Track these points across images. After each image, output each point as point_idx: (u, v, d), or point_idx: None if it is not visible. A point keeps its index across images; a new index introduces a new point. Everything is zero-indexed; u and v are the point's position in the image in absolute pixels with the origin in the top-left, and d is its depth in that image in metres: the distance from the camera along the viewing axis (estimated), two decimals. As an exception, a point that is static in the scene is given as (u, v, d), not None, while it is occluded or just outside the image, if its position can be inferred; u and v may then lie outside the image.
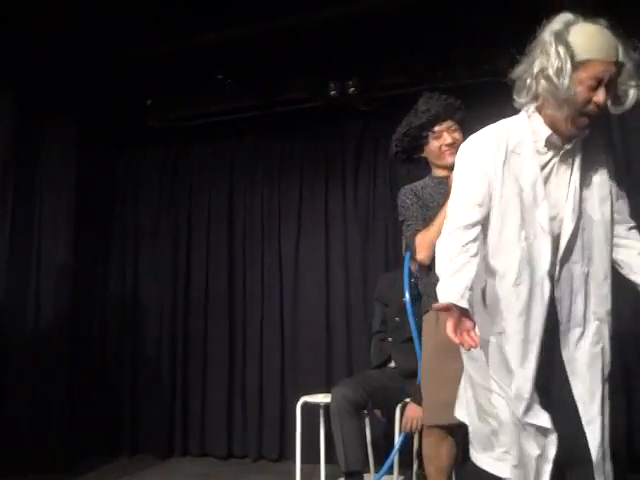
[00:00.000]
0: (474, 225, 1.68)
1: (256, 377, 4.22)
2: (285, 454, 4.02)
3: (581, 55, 1.56)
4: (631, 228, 1.81)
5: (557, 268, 1.70)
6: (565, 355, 1.67)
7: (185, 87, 4.22)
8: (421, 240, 2.34)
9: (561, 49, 1.57)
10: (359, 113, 4.10)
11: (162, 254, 4.54)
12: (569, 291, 1.70)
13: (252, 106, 4.19)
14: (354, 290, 4.10)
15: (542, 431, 1.61)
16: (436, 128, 2.41)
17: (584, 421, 1.62)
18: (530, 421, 1.62)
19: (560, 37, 1.58)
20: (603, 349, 1.69)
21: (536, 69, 1.62)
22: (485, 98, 3.00)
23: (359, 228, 4.17)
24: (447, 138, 2.39)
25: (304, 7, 3.40)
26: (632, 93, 1.61)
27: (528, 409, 1.62)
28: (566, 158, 1.73)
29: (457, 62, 3.52)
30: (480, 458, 1.75)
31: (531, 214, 1.70)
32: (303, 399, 3.23)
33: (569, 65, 1.56)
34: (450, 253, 1.65)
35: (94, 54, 3.77)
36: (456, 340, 1.54)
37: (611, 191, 1.76)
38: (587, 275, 1.71)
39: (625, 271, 1.78)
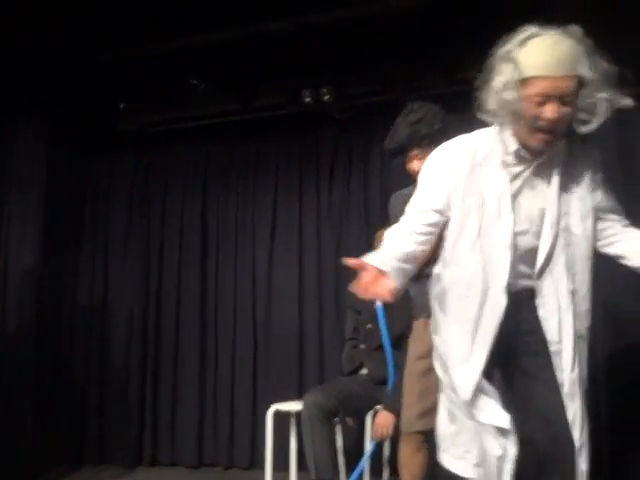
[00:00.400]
0: (428, 225, 1.73)
1: (227, 384, 4.18)
2: (256, 462, 3.97)
3: (526, 72, 1.56)
4: (625, 225, 1.81)
5: (538, 284, 1.70)
6: (560, 376, 1.66)
7: (159, 91, 4.20)
8: None
9: (507, 67, 1.58)
10: (333, 120, 4.11)
11: (133, 259, 4.47)
12: (556, 308, 1.69)
13: (226, 111, 4.18)
14: (327, 297, 4.09)
15: (501, 431, 1.63)
16: (407, 153, 2.39)
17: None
18: (486, 421, 1.64)
19: (508, 55, 1.59)
20: (582, 369, 1.69)
21: (489, 86, 1.63)
22: (459, 107, 3.03)
23: (333, 235, 4.17)
24: (415, 166, 2.34)
25: (279, 13, 3.42)
26: (600, 105, 1.58)
27: (475, 409, 1.65)
28: (541, 171, 1.71)
29: (432, 71, 3.56)
30: (443, 457, 1.76)
31: (492, 227, 1.69)
32: (274, 407, 3.21)
33: (514, 82, 1.57)
34: (394, 234, 1.74)
35: (66, 55, 3.73)
36: (360, 292, 1.58)
37: (595, 205, 1.74)
38: (573, 292, 1.69)
39: (632, 262, 1.76)
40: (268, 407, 3.23)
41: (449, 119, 2.35)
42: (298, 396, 3.37)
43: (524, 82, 1.56)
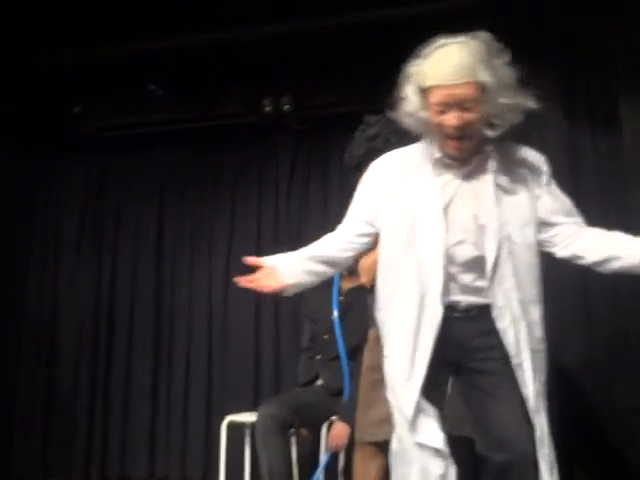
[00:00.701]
0: (356, 235, 1.82)
1: (181, 395, 4.11)
2: (209, 474, 3.91)
3: (426, 82, 1.62)
4: (578, 223, 1.77)
5: (491, 295, 1.69)
6: (525, 391, 1.65)
7: (116, 95, 4.13)
8: (363, 264, 2.38)
9: (413, 79, 1.66)
10: (293, 131, 4.13)
11: (85, 271, 4.36)
12: (511, 320, 1.67)
13: (185, 118, 4.14)
14: (284, 307, 4.08)
15: (441, 452, 1.65)
16: (364, 169, 2.42)
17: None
18: (424, 442, 1.66)
19: (414, 68, 1.67)
20: (542, 382, 1.70)
21: (401, 98, 1.71)
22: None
23: (291, 245, 4.14)
24: None
25: (241, 22, 3.42)
26: (506, 109, 1.62)
27: (415, 429, 1.67)
28: (472, 179, 1.71)
29: (390, 84, 3.61)
30: (391, 475, 1.78)
31: (423, 237, 1.70)
32: (228, 418, 3.18)
33: (418, 93, 1.65)
34: (322, 240, 1.87)
35: (16, 56, 3.63)
36: (247, 284, 1.77)
37: (540, 212, 1.73)
38: (522, 302, 1.68)
39: (587, 260, 1.73)
40: (222, 418, 3.20)
41: (405, 133, 2.39)
42: (254, 407, 3.34)
43: (425, 92, 1.63)
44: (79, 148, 4.43)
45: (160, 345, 4.22)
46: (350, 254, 1.85)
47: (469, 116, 1.61)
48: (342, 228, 1.88)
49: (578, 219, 1.77)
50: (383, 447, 2.18)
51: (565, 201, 1.78)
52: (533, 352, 1.67)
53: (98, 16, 3.38)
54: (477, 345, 1.71)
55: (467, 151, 1.68)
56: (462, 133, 1.63)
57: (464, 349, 1.71)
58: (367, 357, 2.35)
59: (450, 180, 1.73)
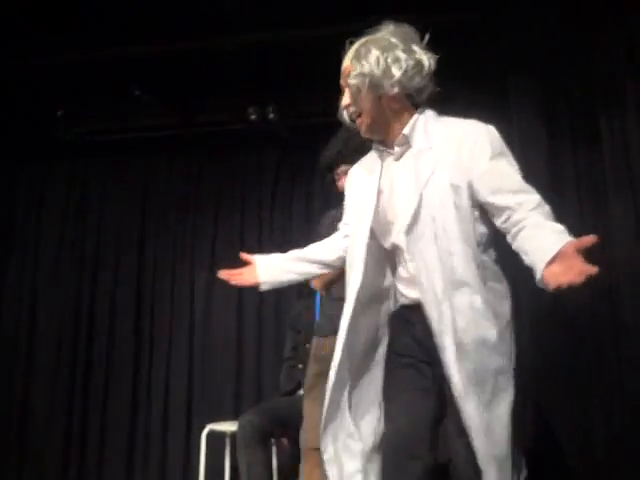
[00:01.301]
0: (343, 237, 1.91)
1: (161, 403, 4.06)
2: (188, 484, 3.89)
3: None
4: (533, 208, 1.55)
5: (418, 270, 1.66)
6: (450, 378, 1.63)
7: (99, 100, 4.10)
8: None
9: None
10: (278, 139, 4.13)
11: (65, 279, 4.31)
12: (436, 304, 1.61)
13: (170, 124, 4.13)
14: (266, 316, 4.07)
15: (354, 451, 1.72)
16: (335, 171, 2.43)
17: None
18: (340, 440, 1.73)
19: None
20: (476, 371, 1.65)
21: None
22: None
23: (273, 252, 4.14)
24: (343, 183, 2.33)
25: (228, 29, 3.42)
26: (362, 92, 1.69)
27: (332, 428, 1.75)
28: (399, 165, 1.73)
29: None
30: None
31: (356, 230, 1.79)
32: (209, 427, 3.15)
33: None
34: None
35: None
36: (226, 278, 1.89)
37: (471, 191, 1.64)
38: (451, 286, 1.61)
39: (527, 260, 1.54)
40: (203, 427, 3.17)
41: None
42: (235, 416, 3.32)
43: None
44: (61, 153, 4.39)
45: (140, 353, 4.18)
46: (337, 254, 1.91)
47: (346, 100, 1.75)
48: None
49: (531, 200, 1.56)
50: None
51: (508, 178, 1.62)
52: (460, 339, 1.59)
53: (83, 20, 3.35)
54: (404, 342, 1.74)
55: (365, 130, 1.75)
56: (349, 114, 1.76)
57: (393, 345, 1.78)
58: (312, 363, 2.39)
59: (387, 166, 1.78)
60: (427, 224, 1.63)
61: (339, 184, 2.42)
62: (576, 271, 1.33)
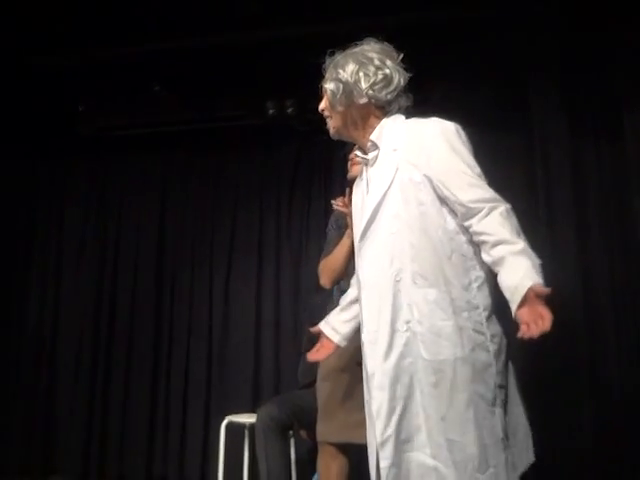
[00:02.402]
0: None
1: (180, 396, 4.11)
2: (207, 475, 3.92)
3: None
4: (487, 213, 1.62)
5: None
6: (372, 365, 1.74)
7: (119, 96, 4.13)
8: (323, 265, 2.46)
9: None
10: (297, 133, 4.13)
11: (87, 272, 4.36)
12: (376, 297, 1.73)
13: (188, 119, 4.15)
14: (284, 308, 4.09)
15: None
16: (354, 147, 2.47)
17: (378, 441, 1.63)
18: None
19: None
20: (403, 361, 1.69)
21: None
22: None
23: (291, 245, 4.18)
24: (352, 155, 2.44)
25: (246, 25, 3.43)
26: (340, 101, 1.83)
27: None
28: (372, 170, 1.83)
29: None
30: None
31: (355, 230, 1.87)
32: (228, 418, 3.18)
33: None
34: None
35: (20, 55, 3.64)
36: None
37: (430, 188, 1.69)
38: (398, 281, 1.68)
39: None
40: (222, 419, 3.20)
41: None
42: (253, 408, 3.34)
43: None
44: (82, 149, 4.43)
45: (160, 346, 4.23)
46: None
47: (323, 104, 1.90)
48: None
49: (488, 206, 1.62)
50: (344, 448, 2.27)
51: (459, 177, 1.66)
52: (395, 330, 1.66)
53: (103, 17, 3.39)
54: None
55: (333, 132, 1.88)
56: (325, 116, 1.90)
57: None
58: (323, 362, 2.37)
59: (367, 175, 1.87)
60: (385, 225, 1.71)
61: (352, 167, 2.44)
62: (538, 315, 1.47)
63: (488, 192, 1.65)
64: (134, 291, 4.32)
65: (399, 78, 1.79)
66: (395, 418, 1.61)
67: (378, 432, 1.62)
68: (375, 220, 1.74)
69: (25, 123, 4.18)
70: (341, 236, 2.46)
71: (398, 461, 1.60)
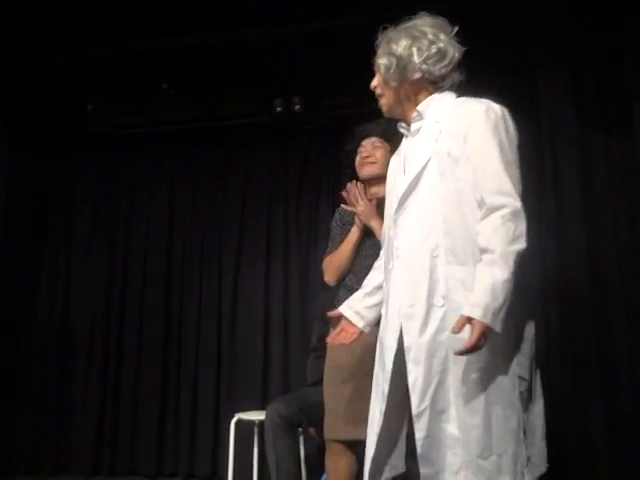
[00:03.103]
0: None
1: (190, 393, 4.12)
2: (217, 472, 3.94)
3: None
4: (486, 214, 1.62)
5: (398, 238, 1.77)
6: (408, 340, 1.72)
7: (129, 94, 4.15)
8: (328, 263, 2.47)
9: None
10: (304, 131, 4.13)
11: (97, 270, 4.38)
12: (410, 274, 1.70)
13: (196, 117, 4.16)
14: (293, 305, 4.09)
15: None
16: (362, 143, 2.47)
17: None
18: None
19: None
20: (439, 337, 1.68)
21: None
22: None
23: (300, 244, 4.17)
24: (364, 152, 2.44)
25: (253, 22, 3.43)
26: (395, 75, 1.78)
27: None
28: (414, 141, 1.80)
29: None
30: None
31: (389, 200, 1.86)
32: (237, 416, 3.19)
33: None
34: None
35: (30, 53, 3.66)
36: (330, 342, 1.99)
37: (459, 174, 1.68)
38: (434, 256, 1.66)
39: None
40: (231, 416, 3.21)
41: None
42: (262, 406, 3.35)
43: None
44: (91, 146, 4.45)
45: (170, 343, 4.24)
46: None
47: (375, 81, 1.85)
48: None
49: (491, 205, 1.61)
50: (351, 445, 2.26)
51: (488, 172, 1.63)
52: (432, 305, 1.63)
53: (112, 16, 3.40)
54: None
55: (387, 110, 1.85)
56: (377, 95, 1.86)
57: None
58: (329, 356, 2.39)
59: (406, 146, 1.85)
60: (422, 198, 1.69)
61: (356, 160, 2.46)
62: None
63: (506, 185, 1.61)
64: (143, 291, 4.33)
65: (453, 52, 1.76)
66: (431, 391, 1.59)
67: (414, 405, 1.59)
68: (413, 192, 1.71)
69: (35, 122, 4.21)
70: (346, 233, 2.45)
71: (433, 432, 1.59)
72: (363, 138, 2.48)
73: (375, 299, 1.93)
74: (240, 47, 3.65)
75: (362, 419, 2.12)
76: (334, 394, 2.32)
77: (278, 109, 3.91)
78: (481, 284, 1.54)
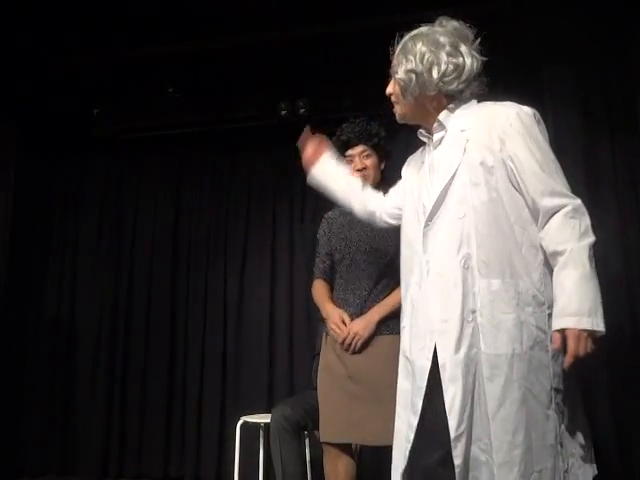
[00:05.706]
0: (388, 204, 1.95)
1: (196, 396, 4.13)
2: (223, 475, 3.94)
3: None
4: (564, 216, 1.56)
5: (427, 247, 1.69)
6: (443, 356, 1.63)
7: (134, 98, 4.17)
8: (315, 296, 2.54)
9: None
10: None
11: (103, 271, 4.41)
12: (441, 287, 1.63)
13: (202, 121, 4.17)
14: (298, 308, 4.09)
15: None
16: (348, 152, 2.43)
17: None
18: None
19: None
20: (472, 352, 1.61)
21: None
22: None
23: (304, 247, 4.17)
24: (357, 164, 2.40)
25: (258, 26, 3.43)
26: (411, 85, 1.73)
27: None
28: (437, 152, 1.74)
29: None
30: None
31: (407, 215, 1.80)
32: (243, 419, 3.19)
33: None
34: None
35: (35, 58, 3.69)
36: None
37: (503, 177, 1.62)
38: (467, 268, 1.59)
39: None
40: (237, 419, 3.21)
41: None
42: (268, 409, 3.35)
43: None
44: (97, 150, 4.48)
45: (176, 346, 4.26)
46: (374, 204, 1.99)
47: (392, 88, 1.81)
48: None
49: (563, 205, 1.56)
50: (347, 447, 2.29)
51: (539, 176, 1.58)
52: (466, 320, 1.57)
53: (117, 20, 3.42)
54: None
55: (399, 118, 1.82)
56: (392, 101, 1.82)
57: None
58: (321, 358, 2.42)
59: (429, 156, 1.78)
60: (452, 209, 1.63)
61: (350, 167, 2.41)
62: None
63: (559, 185, 1.58)
64: (149, 292, 4.35)
65: (472, 65, 1.69)
66: (467, 412, 1.54)
67: (452, 428, 1.53)
68: (442, 203, 1.64)
69: (42, 125, 4.24)
70: (333, 245, 2.48)
71: (466, 456, 1.54)
72: (347, 147, 2.44)
73: (343, 185, 2.10)
74: (245, 51, 3.65)
75: (356, 422, 2.13)
76: (328, 397, 2.33)
77: (283, 112, 3.92)
78: (563, 291, 1.50)
